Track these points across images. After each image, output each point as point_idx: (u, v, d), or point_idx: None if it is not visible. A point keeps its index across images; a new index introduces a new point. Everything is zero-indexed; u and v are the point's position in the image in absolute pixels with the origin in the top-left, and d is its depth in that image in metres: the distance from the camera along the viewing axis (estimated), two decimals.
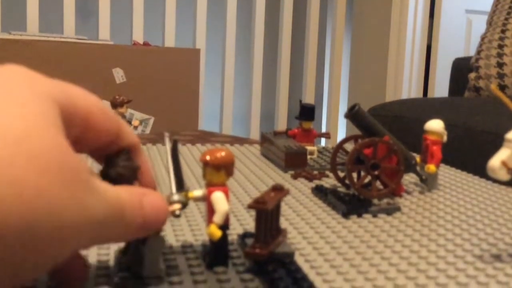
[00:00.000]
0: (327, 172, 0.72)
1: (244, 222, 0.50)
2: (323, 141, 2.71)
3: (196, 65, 2.03)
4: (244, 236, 0.42)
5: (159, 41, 2.21)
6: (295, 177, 0.70)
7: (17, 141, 0.25)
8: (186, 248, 0.42)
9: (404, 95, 2.60)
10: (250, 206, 0.36)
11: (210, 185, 0.37)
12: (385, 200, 0.58)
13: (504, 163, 0.40)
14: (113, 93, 0.97)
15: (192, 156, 0.82)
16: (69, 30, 2.01)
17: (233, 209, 0.54)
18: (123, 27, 2.21)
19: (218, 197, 0.37)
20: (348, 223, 0.51)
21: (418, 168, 0.65)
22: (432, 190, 0.65)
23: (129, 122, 0.83)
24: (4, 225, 0.24)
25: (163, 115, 1.92)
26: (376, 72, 2.64)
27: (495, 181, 0.66)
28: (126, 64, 1.85)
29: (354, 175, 0.60)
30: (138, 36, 2.13)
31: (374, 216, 0.53)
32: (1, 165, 0.24)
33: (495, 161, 0.40)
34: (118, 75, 1.84)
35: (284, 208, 0.55)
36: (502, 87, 1.69)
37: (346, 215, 0.53)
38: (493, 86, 0.44)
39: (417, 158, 0.66)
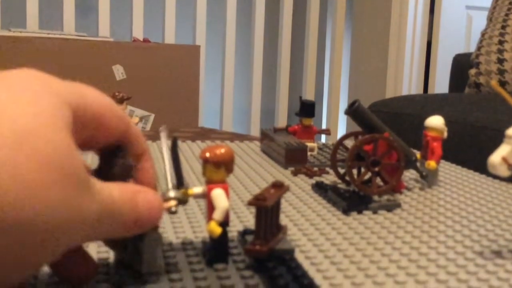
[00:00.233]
0: (327, 169, 0.72)
1: (244, 219, 0.50)
2: (323, 138, 2.70)
3: (196, 61, 2.02)
4: (244, 233, 0.42)
5: (159, 37, 2.21)
6: (295, 173, 0.70)
7: (22, 136, 0.25)
8: (186, 245, 0.42)
9: (404, 92, 2.60)
10: (250, 203, 0.36)
11: (210, 182, 0.37)
12: (385, 197, 0.58)
13: (504, 159, 0.40)
14: (113, 90, 0.97)
15: (192, 153, 0.82)
16: (69, 27, 2.01)
17: (233, 206, 0.54)
18: (123, 24, 2.21)
19: (218, 194, 0.37)
20: (348, 219, 0.51)
21: (418, 164, 0.65)
22: (433, 187, 0.65)
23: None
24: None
25: (163, 112, 1.92)
26: (376, 69, 2.64)
27: (496, 177, 0.66)
28: (126, 61, 1.85)
29: (354, 171, 0.60)
30: (138, 32, 2.13)
31: (374, 212, 0.53)
32: (2, 159, 0.24)
33: (495, 157, 0.40)
34: (118, 72, 1.83)
35: (284, 204, 0.55)
36: (503, 83, 1.69)
37: (346, 211, 0.53)
38: (494, 82, 0.44)
39: (417, 154, 0.66)
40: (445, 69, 2.29)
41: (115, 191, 0.30)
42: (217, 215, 0.36)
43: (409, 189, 0.63)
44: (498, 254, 0.43)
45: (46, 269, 0.38)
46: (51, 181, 0.26)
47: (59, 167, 0.26)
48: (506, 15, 1.78)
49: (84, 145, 0.32)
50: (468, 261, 0.41)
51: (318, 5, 2.51)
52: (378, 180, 0.59)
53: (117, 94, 0.82)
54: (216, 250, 0.38)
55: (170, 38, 2.19)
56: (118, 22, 2.21)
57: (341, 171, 0.63)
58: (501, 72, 1.70)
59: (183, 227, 0.47)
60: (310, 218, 0.51)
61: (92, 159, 0.36)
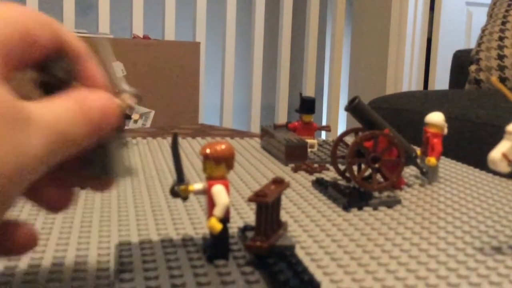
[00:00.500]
0: (328, 165, 0.72)
1: (245, 215, 0.50)
2: (323, 134, 2.71)
3: (196, 58, 2.02)
4: (245, 229, 0.42)
5: (159, 34, 2.20)
6: (295, 170, 0.70)
7: None
8: (186, 241, 0.42)
9: (405, 88, 2.60)
10: (250, 199, 0.36)
11: (211, 179, 0.37)
12: (385, 193, 0.58)
13: (504, 155, 0.40)
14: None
15: (192, 149, 0.82)
16: (69, 23, 2.00)
17: (233, 202, 0.54)
18: (123, 21, 2.20)
19: (218, 190, 0.37)
20: (348, 216, 0.51)
21: (418, 160, 0.65)
22: (433, 183, 0.65)
23: (130, 115, 0.83)
24: None
25: (163, 109, 1.92)
26: (376, 65, 2.64)
27: (496, 173, 0.66)
28: (126, 58, 1.85)
29: (355, 168, 0.60)
30: (138, 29, 2.12)
31: (375, 209, 0.53)
32: None
33: (495, 153, 0.40)
34: (118, 68, 1.83)
35: (284, 201, 0.55)
36: (503, 79, 1.69)
37: (346, 208, 0.53)
38: (494, 79, 0.44)
39: (418, 150, 0.66)
40: (445, 66, 2.29)
41: (59, 108, 0.28)
42: (218, 211, 0.36)
43: (409, 186, 0.63)
44: (498, 250, 0.43)
45: (46, 264, 0.38)
46: None
47: None
48: (506, 11, 1.78)
49: (18, 66, 0.29)
50: (468, 257, 0.41)
51: (318, 2, 2.51)
52: (379, 177, 0.59)
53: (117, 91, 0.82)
54: (216, 246, 0.38)
55: (170, 35, 2.19)
56: (118, 19, 2.21)
57: (342, 167, 0.63)
58: (501, 68, 1.70)
59: (184, 223, 0.47)
60: (310, 214, 0.51)
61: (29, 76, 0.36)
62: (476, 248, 0.43)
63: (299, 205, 0.54)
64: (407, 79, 2.63)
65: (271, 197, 0.36)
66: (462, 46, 2.54)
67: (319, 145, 0.85)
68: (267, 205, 0.37)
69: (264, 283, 0.35)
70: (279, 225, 0.39)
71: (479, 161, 0.59)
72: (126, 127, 0.86)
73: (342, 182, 0.62)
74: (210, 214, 0.37)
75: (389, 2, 2.57)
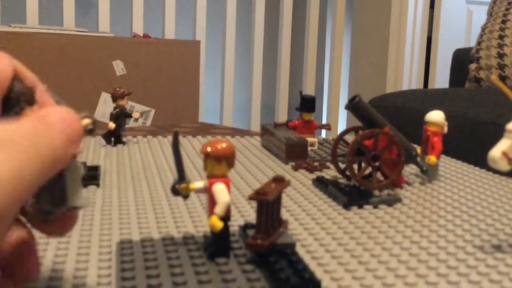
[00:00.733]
0: (328, 164, 0.72)
1: (245, 213, 0.50)
2: (323, 133, 2.71)
3: (196, 57, 2.02)
4: (245, 227, 0.42)
5: (159, 33, 2.20)
6: (295, 168, 0.70)
7: None
8: (187, 239, 0.42)
9: (405, 86, 2.60)
10: (251, 198, 0.36)
11: (211, 177, 0.37)
12: (385, 191, 0.58)
13: (504, 154, 0.40)
14: (113, 85, 0.97)
15: (193, 148, 0.82)
16: (69, 22, 2.00)
17: (234, 200, 0.54)
18: (123, 19, 2.20)
19: (219, 188, 0.37)
20: (349, 214, 0.51)
21: (418, 159, 0.65)
22: (433, 181, 0.65)
23: (130, 114, 0.83)
24: None
25: (163, 107, 1.92)
26: (376, 64, 2.64)
27: (496, 171, 0.66)
28: (126, 56, 1.85)
29: (355, 166, 0.60)
30: (138, 28, 2.12)
31: (375, 207, 0.53)
32: None
33: (495, 152, 0.40)
34: (118, 67, 1.83)
35: (285, 199, 0.55)
36: (503, 78, 1.69)
37: (347, 206, 0.53)
38: (494, 77, 0.44)
39: (418, 149, 0.66)
40: (445, 64, 2.29)
41: (23, 128, 0.26)
42: (219, 209, 0.36)
43: (409, 184, 0.63)
44: (498, 248, 0.43)
45: (47, 262, 0.38)
46: None
47: None
48: (507, 9, 1.78)
49: None
50: (468, 255, 0.41)
51: (318, 2, 2.51)
52: (379, 175, 0.59)
53: (117, 89, 0.82)
54: (217, 244, 0.38)
55: (170, 33, 2.19)
56: (118, 17, 2.21)
57: (342, 166, 0.64)
58: (501, 66, 1.70)
59: (184, 222, 0.47)
60: (311, 212, 0.51)
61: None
62: (476, 246, 0.43)
63: (299, 203, 0.54)
64: (407, 78, 2.63)
65: (272, 195, 0.37)
66: (462, 45, 2.54)
67: (320, 143, 0.85)
68: (268, 203, 0.37)
69: (264, 281, 0.35)
70: (280, 223, 0.40)
71: (479, 160, 0.59)
72: (126, 126, 0.86)
73: (342, 180, 0.62)
74: (211, 212, 0.37)
75: (389, 1, 2.57)
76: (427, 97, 1.53)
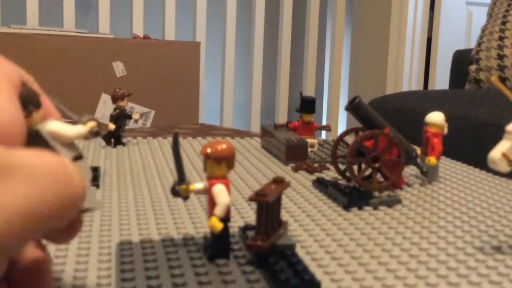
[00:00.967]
0: (328, 165, 0.72)
1: (245, 214, 0.50)
2: (323, 134, 2.71)
3: (196, 58, 2.02)
4: (245, 228, 0.42)
5: (159, 34, 2.20)
6: (295, 169, 0.70)
7: None
8: (187, 240, 0.42)
9: (405, 88, 2.60)
10: (251, 199, 0.36)
11: (211, 178, 0.37)
12: (385, 193, 0.58)
13: (504, 155, 0.40)
14: (113, 86, 0.98)
15: (193, 149, 0.82)
16: (69, 23, 2.00)
17: (234, 201, 0.54)
18: (123, 21, 2.21)
19: (219, 189, 0.37)
20: (349, 215, 0.51)
21: (418, 160, 0.65)
22: (433, 183, 0.65)
23: (130, 115, 0.83)
24: None
25: (163, 109, 1.92)
26: (376, 65, 2.64)
27: (496, 173, 0.66)
28: (126, 58, 1.85)
29: (355, 167, 0.60)
30: (138, 29, 2.12)
31: (375, 208, 0.53)
32: None
33: (495, 153, 0.40)
34: (118, 68, 1.83)
35: (285, 200, 0.55)
36: (503, 79, 1.69)
37: (346, 207, 0.53)
38: (494, 78, 0.44)
39: (418, 150, 0.66)
40: (445, 65, 2.29)
41: (48, 160, 0.25)
42: (218, 210, 0.36)
43: (409, 185, 0.63)
44: (498, 249, 0.43)
45: None
46: None
47: None
48: (506, 11, 1.78)
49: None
50: (468, 256, 0.41)
51: (318, 2, 2.51)
52: (379, 176, 0.59)
53: (118, 91, 0.82)
54: (217, 245, 0.38)
55: (170, 34, 2.19)
56: (118, 18, 2.21)
57: (342, 167, 0.64)
58: (501, 68, 1.70)
59: (184, 223, 0.47)
60: (310, 214, 0.51)
61: None
62: (476, 247, 0.43)
63: (299, 204, 0.54)
64: (407, 79, 2.63)
65: (272, 197, 0.37)
66: (462, 46, 2.54)
67: (320, 144, 0.85)
68: (268, 205, 0.37)
69: (264, 282, 0.35)
70: (280, 225, 0.40)
71: (479, 161, 0.59)
72: (126, 127, 0.86)
73: (342, 181, 0.62)
74: (210, 213, 0.37)
75: (389, 2, 2.57)
76: (427, 98, 1.53)
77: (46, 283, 0.30)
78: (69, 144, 0.31)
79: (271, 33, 2.66)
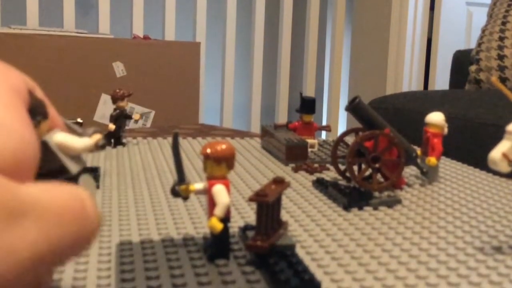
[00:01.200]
0: (328, 165, 0.72)
1: (245, 214, 0.50)
2: (323, 134, 2.71)
3: (196, 58, 2.02)
4: (245, 228, 0.42)
5: (159, 34, 2.20)
6: (295, 170, 0.70)
7: None
8: (187, 241, 0.42)
9: (405, 88, 2.60)
10: (251, 199, 0.36)
11: (211, 178, 0.37)
12: (386, 193, 0.58)
13: (505, 155, 0.40)
14: (113, 87, 0.98)
15: (192, 149, 0.82)
16: (69, 24, 2.00)
17: (234, 202, 0.54)
18: (123, 21, 2.21)
19: (219, 190, 0.37)
20: (349, 215, 0.51)
21: (418, 160, 0.65)
22: (433, 183, 0.65)
23: (130, 115, 0.83)
24: None
25: (163, 109, 1.92)
26: (376, 65, 2.64)
27: (496, 173, 0.66)
28: (126, 58, 1.85)
29: (355, 168, 0.60)
30: (138, 29, 2.13)
31: (375, 208, 0.53)
32: None
33: (496, 153, 0.40)
34: (118, 69, 1.83)
35: (285, 201, 0.55)
36: (503, 80, 1.69)
37: (347, 207, 0.53)
38: (494, 79, 0.44)
39: (418, 150, 0.66)
40: (445, 66, 2.29)
41: (64, 196, 0.24)
42: (218, 211, 0.36)
43: (409, 185, 0.63)
44: (498, 250, 0.43)
45: None
46: None
47: None
48: (506, 11, 1.78)
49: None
50: (468, 256, 0.41)
51: (318, 2, 2.51)
52: (379, 176, 0.59)
53: (118, 91, 0.82)
54: (217, 246, 0.38)
55: (170, 35, 2.19)
56: (118, 19, 2.21)
57: (342, 167, 0.63)
58: (501, 68, 1.70)
59: (184, 223, 0.47)
60: (311, 214, 0.51)
61: None
62: (476, 247, 0.43)
63: (299, 204, 0.54)
64: (407, 79, 2.63)
65: (272, 197, 0.37)
66: (462, 46, 2.54)
67: (320, 145, 0.85)
68: (268, 205, 0.37)
69: (264, 283, 0.35)
70: (280, 225, 0.40)
71: (479, 161, 0.59)
72: (126, 127, 0.86)
73: (342, 182, 0.62)
74: (210, 213, 0.37)
75: (389, 2, 2.57)
76: (427, 99, 1.53)
77: None
78: (76, 156, 0.31)
79: (271, 33, 2.66)
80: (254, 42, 2.41)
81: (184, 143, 0.88)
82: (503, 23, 1.76)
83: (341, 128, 2.64)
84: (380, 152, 0.59)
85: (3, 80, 0.27)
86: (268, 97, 2.67)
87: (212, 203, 0.37)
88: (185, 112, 1.97)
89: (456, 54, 2.05)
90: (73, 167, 0.30)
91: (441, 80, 2.61)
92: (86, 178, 0.30)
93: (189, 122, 1.89)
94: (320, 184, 0.60)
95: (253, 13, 2.41)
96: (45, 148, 0.30)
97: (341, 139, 0.65)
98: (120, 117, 0.82)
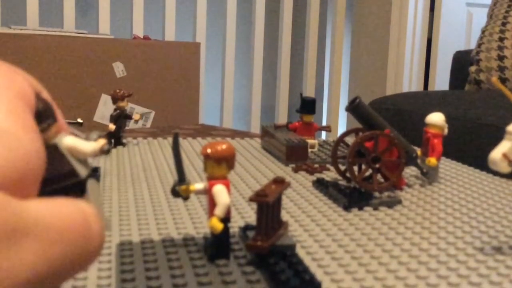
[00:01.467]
0: (328, 165, 0.72)
1: (246, 215, 0.50)
2: (323, 135, 2.71)
3: (196, 58, 2.02)
4: (246, 228, 0.42)
5: (159, 35, 2.20)
6: (296, 170, 0.70)
7: None
8: (187, 241, 0.42)
9: (405, 89, 2.60)
10: (251, 199, 0.36)
11: (211, 178, 0.37)
12: (386, 193, 0.58)
13: (505, 156, 0.40)
14: (113, 87, 0.98)
15: (193, 149, 0.82)
16: (69, 24, 2.00)
17: (234, 202, 0.54)
18: (123, 21, 2.21)
19: (219, 190, 0.37)
20: (349, 216, 0.51)
21: (419, 161, 0.65)
22: (433, 183, 0.65)
23: (130, 116, 0.83)
24: None
25: (163, 109, 1.92)
26: (376, 65, 2.64)
27: (496, 174, 0.66)
28: (126, 58, 1.85)
29: (355, 168, 0.60)
30: (138, 30, 2.12)
31: (375, 209, 0.53)
32: None
33: (496, 154, 0.40)
34: (119, 69, 1.83)
35: (285, 201, 0.55)
36: (503, 80, 1.69)
37: (347, 208, 0.53)
38: (494, 79, 0.44)
39: (418, 151, 0.66)
40: (445, 66, 2.29)
41: (69, 213, 0.22)
42: (219, 211, 0.36)
43: (409, 186, 0.63)
44: (498, 250, 0.43)
45: None
46: None
47: None
48: (507, 12, 1.78)
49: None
50: (468, 257, 0.41)
51: (318, 2, 2.51)
52: (379, 177, 0.59)
53: (118, 91, 0.82)
54: (217, 246, 0.38)
55: (170, 35, 2.19)
56: (118, 19, 2.21)
57: (342, 167, 0.63)
58: (502, 69, 1.70)
59: (185, 223, 0.47)
60: (311, 214, 0.51)
61: None
62: (476, 248, 0.43)
63: (299, 205, 0.54)
64: (407, 80, 2.64)
65: (272, 197, 0.37)
66: (462, 47, 2.54)
67: (320, 145, 0.85)
68: (268, 205, 0.37)
69: (265, 283, 0.35)
70: (280, 225, 0.40)
71: (479, 162, 0.59)
72: (126, 127, 0.86)
73: (342, 182, 0.62)
74: (211, 213, 0.37)
75: (389, 2, 2.57)
76: (427, 99, 1.53)
77: None
78: (83, 160, 0.31)
79: (271, 33, 2.66)
80: (254, 42, 2.41)
81: (184, 143, 0.88)
82: (503, 24, 1.76)
83: (341, 128, 2.64)
84: (380, 152, 0.59)
85: (7, 85, 0.26)
86: (268, 97, 2.67)
87: (212, 203, 0.37)
88: (185, 112, 1.97)
89: (456, 54, 2.05)
90: (82, 171, 0.30)
91: (441, 81, 2.61)
92: (93, 183, 0.30)
93: (189, 122, 1.89)
94: (320, 185, 0.60)
95: (253, 13, 2.41)
96: (55, 151, 0.29)
97: (341, 139, 0.65)
98: (120, 117, 0.82)
